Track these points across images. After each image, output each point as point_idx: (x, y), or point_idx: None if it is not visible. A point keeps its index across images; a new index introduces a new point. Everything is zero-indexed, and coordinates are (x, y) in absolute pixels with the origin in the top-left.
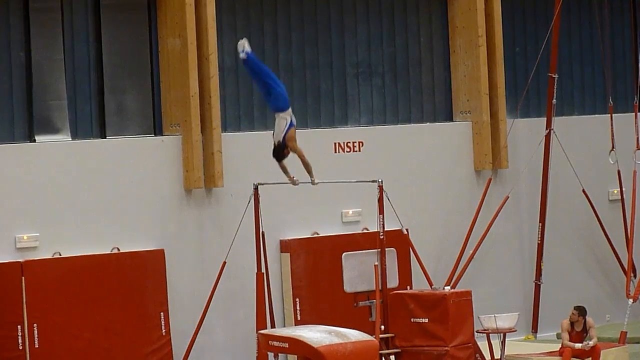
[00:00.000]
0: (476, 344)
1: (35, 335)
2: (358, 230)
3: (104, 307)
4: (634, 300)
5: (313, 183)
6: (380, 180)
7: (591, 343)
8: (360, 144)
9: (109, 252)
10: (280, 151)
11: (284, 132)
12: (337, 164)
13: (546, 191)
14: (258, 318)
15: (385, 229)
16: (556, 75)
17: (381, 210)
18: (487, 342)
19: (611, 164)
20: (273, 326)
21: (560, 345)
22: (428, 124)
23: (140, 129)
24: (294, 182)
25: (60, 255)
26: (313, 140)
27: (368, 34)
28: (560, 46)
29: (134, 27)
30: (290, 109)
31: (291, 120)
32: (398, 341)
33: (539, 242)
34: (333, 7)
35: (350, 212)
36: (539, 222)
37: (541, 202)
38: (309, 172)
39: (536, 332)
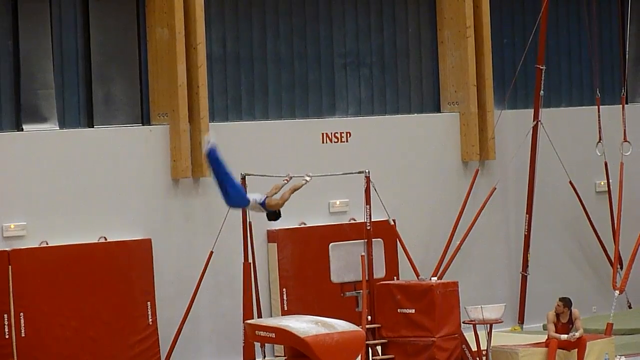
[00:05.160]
0: (463, 335)
1: (22, 324)
2: (345, 220)
3: (91, 296)
4: (621, 292)
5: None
6: (367, 170)
7: (577, 334)
8: (348, 135)
9: (96, 241)
10: (273, 214)
11: (263, 207)
12: (325, 154)
13: (533, 182)
14: (245, 308)
15: (373, 220)
16: (544, 67)
17: (368, 201)
18: (473, 333)
19: (598, 156)
20: (260, 316)
21: (546, 337)
22: (415, 114)
23: (128, 118)
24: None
25: (47, 244)
26: (300, 131)
27: (356, 25)
28: (548, 38)
29: (122, 16)
30: (251, 201)
31: (260, 198)
32: (384, 332)
33: (526, 233)
34: None
35: (338, 202)
36: (526, 213)
37: (528, 193)
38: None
39: (523, 323)
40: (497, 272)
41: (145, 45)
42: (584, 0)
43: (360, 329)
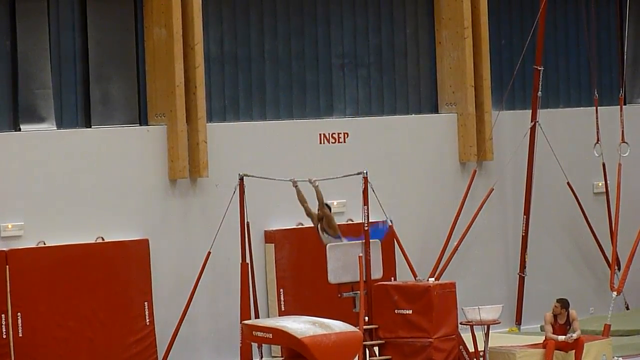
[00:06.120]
0: (460, 335)
1: (19, 324)
2: (343, 221)
3: (88, 297)
4: (618, 293)
5: (312, 182)
6: (365, 171)
7: (574, 335)
8: (346, 135)
9: (93, 241)
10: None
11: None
12: (322, 155)
13: (531, 183)
14: (242, 308)
15: (370, 220)
16: (542, 68)
17: (366, 202)
18: (470, 334)
19: (596, 157)
20: (257, 317)
21: (543, 338)
22: (413, 115)
23: (126, 118)
24: (294, 183)
25: (44, 244)
26: (298, 132)
27: (354, 25)
28: (546, 38)
29: (120, 16)
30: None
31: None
32: (382, 332)
33: (523, 234)
34: None
35: (335, 203)
36: (524, 214)
37: (526, 194)
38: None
39: (520, 324)
40: (494, 273)
41: (143, 46)
42: (582, 1)
43: (358, 330)
